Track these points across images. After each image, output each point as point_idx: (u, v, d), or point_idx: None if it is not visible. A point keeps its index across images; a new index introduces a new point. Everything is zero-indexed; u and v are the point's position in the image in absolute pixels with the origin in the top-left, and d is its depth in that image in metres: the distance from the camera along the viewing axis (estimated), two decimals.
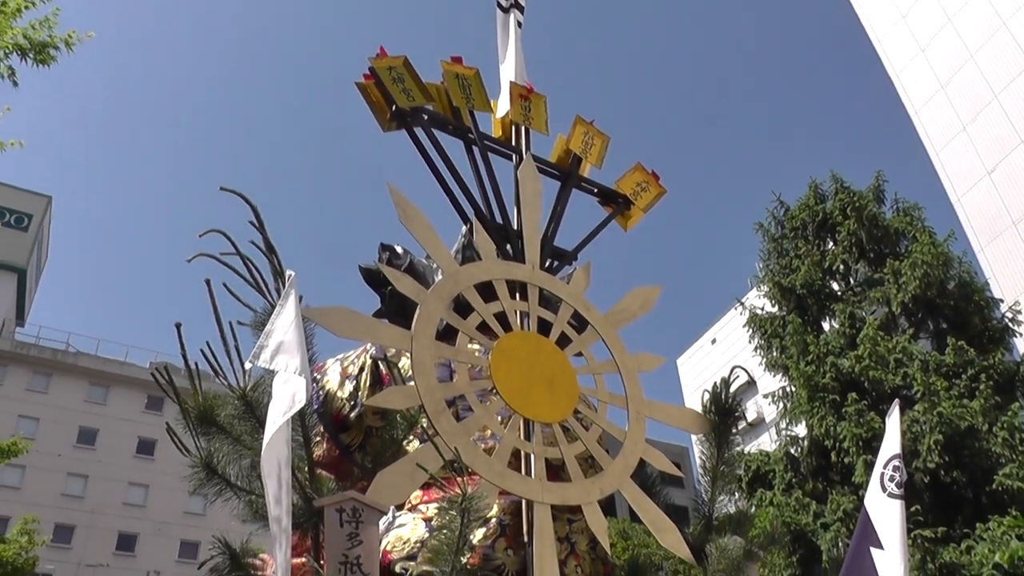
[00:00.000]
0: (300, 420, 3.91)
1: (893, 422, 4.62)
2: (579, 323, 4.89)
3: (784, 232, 19.39)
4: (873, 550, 4.37)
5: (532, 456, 4.12)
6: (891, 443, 4.56)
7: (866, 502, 4.55)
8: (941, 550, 13.50)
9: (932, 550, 13.53)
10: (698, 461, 5.04)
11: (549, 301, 4.92)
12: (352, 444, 4.74)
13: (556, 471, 4.22)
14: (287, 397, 2.88)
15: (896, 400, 5.17)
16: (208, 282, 3.87)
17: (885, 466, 4.48)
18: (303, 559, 3.90)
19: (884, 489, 4.44)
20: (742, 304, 18.95)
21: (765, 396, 17.51)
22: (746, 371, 4.94)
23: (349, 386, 4.82)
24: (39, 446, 41.26)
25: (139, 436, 46.83)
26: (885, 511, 4.40)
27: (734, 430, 4.92)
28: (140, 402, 47.61)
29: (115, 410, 47.45)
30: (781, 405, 17.10)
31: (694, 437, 5.35)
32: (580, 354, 4.75)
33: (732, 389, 4.98)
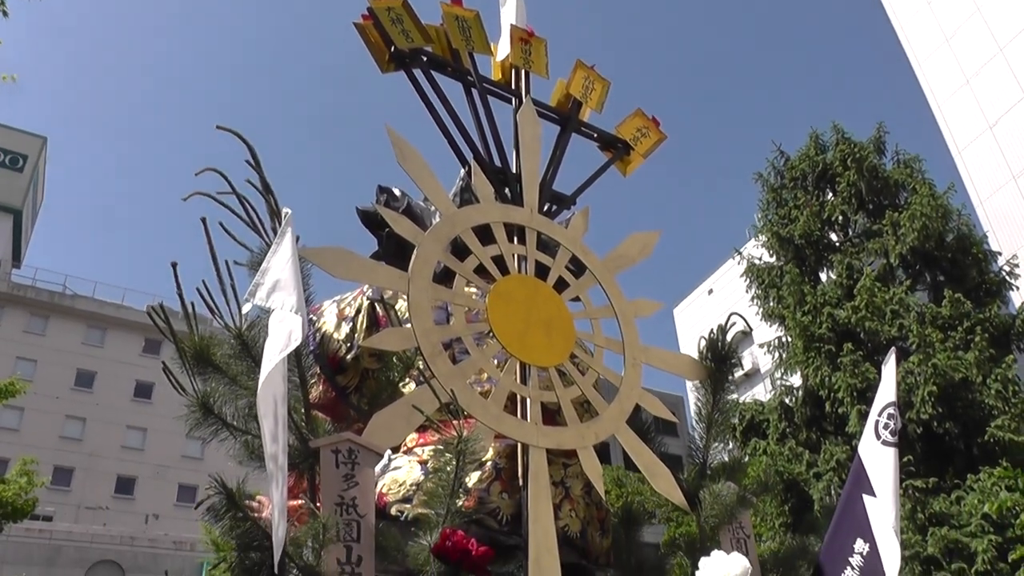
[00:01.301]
0: (296, 361, 3.90)
1: (889, 369, 4.61)
2: (577, 268, 4.87)
3: (784, 182, 19.31)
4: (865, 497, 4.38)
5: (528, 400, 4.12)
6: (887, 390, 4.55)
7: (859, 449, 4.55)
8: (931, 500, 13.66)
9: (923, 500, 13.68)
10: (693, 410, 5.05)
11: (547, 245, 4.89)
12: (348, 386, 4.74)
13: (552, 415, 4.23)
14: (283, 335, 2.86)
15: (893, 347, 5.16)
16: (204, 220, 3.83)
17: (880, 413, 4.48)
18: (299, 501, 3.92)
19: (878, 436, 4.44)
20: (739, 254, 18.94)
21: (761, 346, 17.57)
22: (743, 318, 4.93)
23: (345, 328, 4.81)
24: (37, 388, 41.41)
25: (136, 380, 47.03)
26: (878, 458, 4.41)
27: (730, 377, 4.92)
28: (137, 345, 47.72)
29: (112, 353, 47.57)
30: (776, 355, 17.17)
31: (689, 386, 5.37)
32: (577, 299, 4.73)
33: (729, 336, 4.98)
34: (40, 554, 32.51)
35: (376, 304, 4.74)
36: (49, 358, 45.36)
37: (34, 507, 16.30)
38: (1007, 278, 16.77)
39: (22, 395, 16.99)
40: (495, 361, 4.20)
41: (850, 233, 18.15)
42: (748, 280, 17.99)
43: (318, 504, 3.50)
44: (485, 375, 4.29)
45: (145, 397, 46.44)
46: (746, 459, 14.44)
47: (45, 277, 53.77)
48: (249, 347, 3.72)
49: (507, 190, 5.05)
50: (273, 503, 2.78)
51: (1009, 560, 11.16)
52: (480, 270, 4.42)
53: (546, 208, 5.16)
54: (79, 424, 45.01)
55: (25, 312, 46.34)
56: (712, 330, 4.99)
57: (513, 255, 4.59)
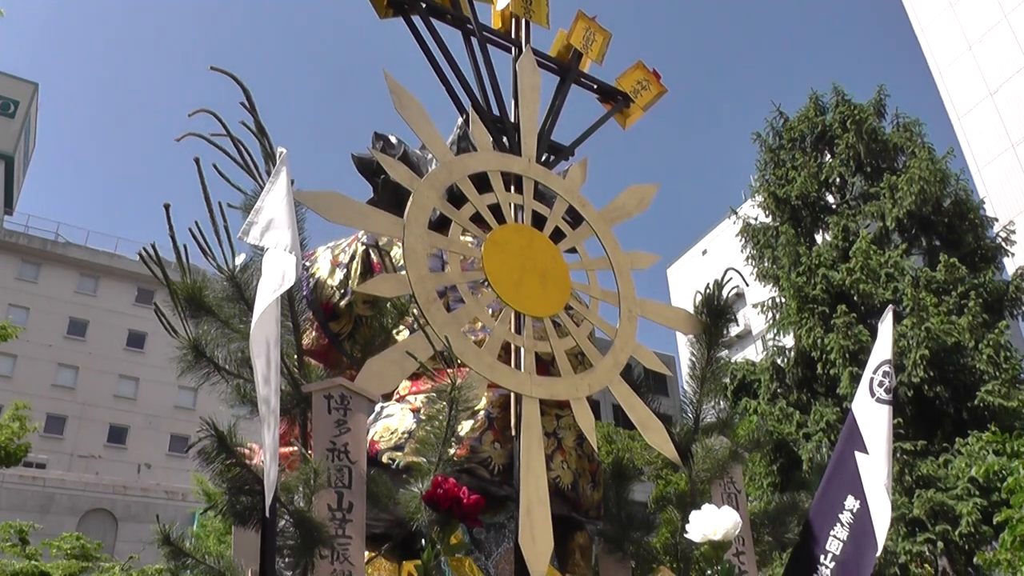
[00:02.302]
0: (289, 306, 3.87)
1: (886, 327, 4.59)
2: (573, 219, 4.82)
3: (782, 143, 19.21)
4: (858, 454, 4.38)
5: (522, 350, 4.09)
6: (882, 348, 4.53)
7: (853, 407, 4.54)
8: (919, 463, 13.76)
9: (911, 463, 13.78)
10: (685, 369, 5.03)
11: (544, 196, 4.85)
12: (341, 333, 4.71)
13: (546, 366, 4.21)
14: (276, 275, 2.81)
15: (889, 306, 5.14)
16: (197, 160, 3.77)
17: (875, 371, 4.46)
18: (292, 448, 3.90)
19: (872, 394, 4.43)
20: (735, 213, 18.88)
21: (754, 306, 17.57)
22: (739, 273, 4.90)
23: (339, 274, 4.77)
24: (29, 336, 41.32)
25: (129, 329, 46.99)
26: (872, 416, 4.40)
27: (725, 333, 4.90)
28: (130, 295, 47.63)
29: (105, 302, 47.49)
30: (769, 315, 17.19)
31: (682, 343, 5.34)
32: (574, 250, 4.70)
33: (725, 291, 4.95)
34: (33, 501, 32.67)
35: (371, 250, 4.70)
36: (41, 306, 45.26)
37: (26, 452, 16.32)
38: (1003, 244, 16.76)
39: (14, 341, 16.93)
40: (490, 310, 4.17)
41: (847, 195, 18.10)
42: (743, 240, 17.95)
43: (310, 451, 3.48)
44: (479, 324, 4.26)
45: (138, 347, 46.44)
46: (736, 419, 14.54)
47: (37, 224, 53.54)
48: (242, 289, 3.68)
49: (505, 139, 4.99)
50: (264, 446, 2.75)
51: (993, 523, 11.26)
52: (476, 218, 4.37)
53: (544, 158, 5.10)
54: (72, 373, 45.04)
55: (17, 259, 46.15)
56: (708, 285, 4.95)
57: (510, 204, 4.54)
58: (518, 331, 4.16)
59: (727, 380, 15.38)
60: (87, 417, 44.37)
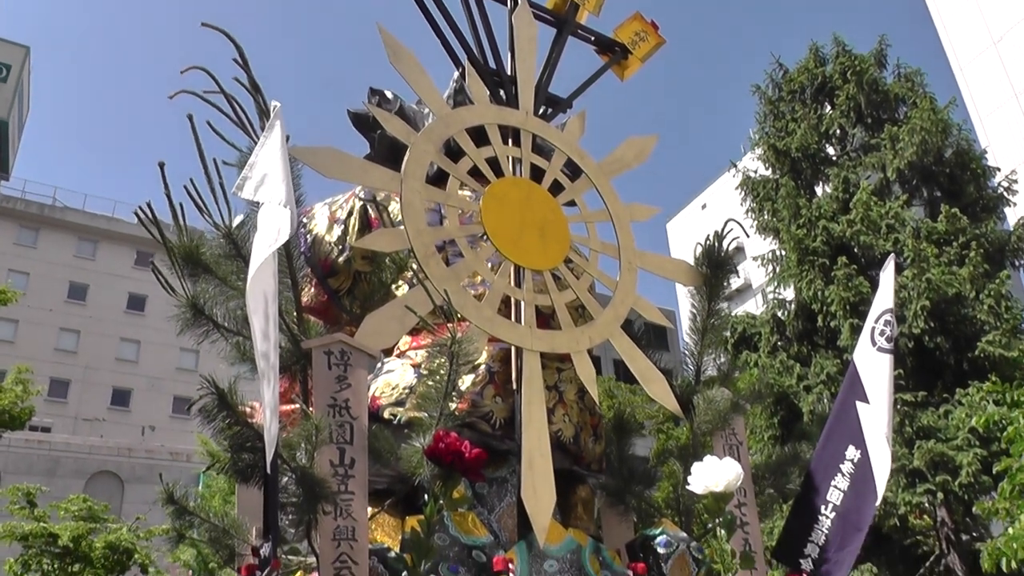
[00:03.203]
0: (288, 262, 3.84)
1: (887, 277, 4.56)
2: (572, 171, 4.78)
3: (782, 95, 19.01)
4: (859, 404, 4.38)
5: (522, 303, 4.07)
6: (884, 297, 4.51)
7: (855, 356, 4.54)
8: (920, 414, 13.78)
9: (911, 414, 13.80)
10: (686, 323, 5.02)
11: (542, 149, 4.80)
12: (340, 289, 4.69)
13: (546, 319, 4.19)
14: (272, 230, 2.78)
15: (891, 255, 5.11)
16: (190, 117, 3.72)
17: (876, 320, 4.45)
18: (293, 406, 3.90)
19: (874, 343, 4.42)
20: (735, 166, 18.76)
21: (755, 259, 17.51)
22: (739, 224, 4.87)
23: (337, 230, 4.74)
24: (30, 301, 41.31)
25: (129, 292, 46.97)
26: (873, 365, 4.39)
27: (725, 284, 4.88)
28: (129, 258, 47.53)
29: (104, 266, 47.42)
30: (770, 268, 17.14)
31: (682, 295, 5.32)
32: (573, 203, 4.66)
33: (725, 243, 4.92)
34: (40, 465, 32.87)
35: (368, 206, 4.66)
36: (41, 271, 45.18)
37: (31, 416, 16.37)
38: (1004, 194, 16.64)
39: (15, 306, 16.93)
40: (489, 264, 4.14)
41: (847, 147, 17.94)
42: (743, 193, 17.83)
43: (311, 408, 3.48)
44: (479, 278, 4.24)
45: (138, 310, 46.41)
46: (736, 374, 14.57)
47: (34, 190, 53.28)
48: (239, 246, 3.65)
49: (502, 92, 4.93)
50: (264, 402, 2.74)
51: (993, 473, 11.31)
52: (474, 172, 4.33)
53: (542, 111, 5.04)
54: (73, 336, 45.08)
55: (15, 224, 45.99)
56: (708, 236, 4.93)
57: (508, 157, 4.50)
58: (518, 284, 4.14)
59: (727, 333, 15.37)
60: (90, 380, 44.53)
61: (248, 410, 3.66)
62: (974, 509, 12.46)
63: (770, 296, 16.77)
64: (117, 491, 33.74)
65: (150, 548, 18.49)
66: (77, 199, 52.23)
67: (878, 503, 4.35)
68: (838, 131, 18.05)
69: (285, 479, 3.23)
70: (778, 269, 16.85)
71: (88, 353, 44.97)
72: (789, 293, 16.50)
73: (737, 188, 18.26)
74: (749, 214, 17.56)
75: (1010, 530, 8.67)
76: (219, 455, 3.57)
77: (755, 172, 18.27)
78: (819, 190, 17.84)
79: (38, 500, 18.05)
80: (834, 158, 18.02)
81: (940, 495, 13.16)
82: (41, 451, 34.68)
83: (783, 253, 16.78)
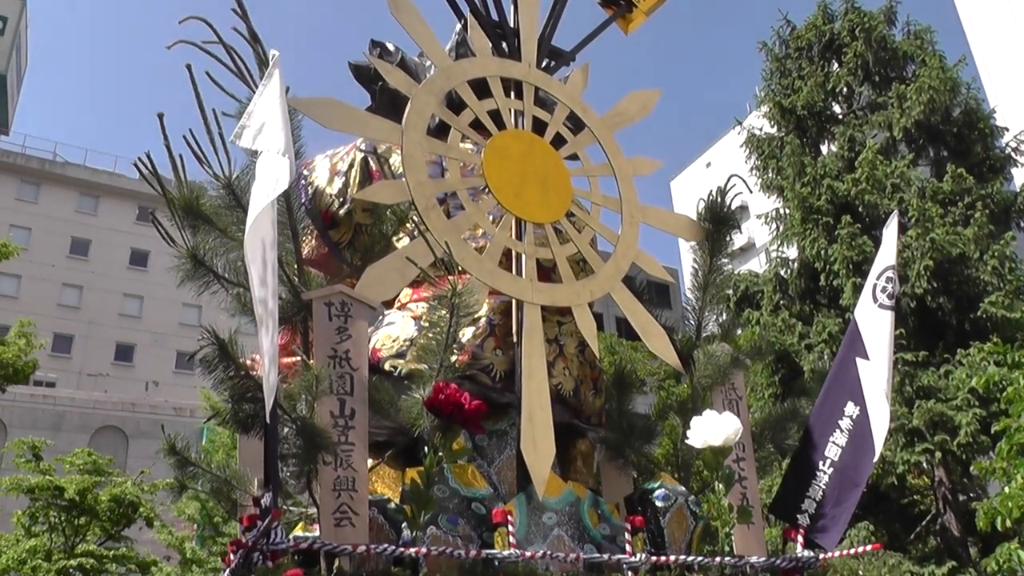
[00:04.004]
0: (288, 213, 3.83)
1: (891, 233, 4.53)
2: (575, 125, 4.74)
3: (788, 52, 18.83)
4: (859, 360, 4.37)
5: (523, 256, 4.06)
6: (887, 254, 4.49)
7: (856, 313, 4.52)
8: (920, 374, 13.82)
9: (912, 373, 13.85)
10: (688, 280, 5.00)
11: (544, 102, 4.76)
12: (341, 241, 4.68)
13: (547, 272, 4.18)
14: (270, 178, 2.76)
15: (895, 211, 5.09)
16: (189, 67, 3.69)
17: (878, 277, 4.42)
18: (294, 358, 3.90)
19: (875, 300, 4.40)
20: (740, 123, 18.64)
21: (758, 217, 17.47)
22: (743, 180, 4.83)
23: (338, 182, 4.71)
24: (32, 256, 41.38)
25: (132, 247, 47.01)
26: (874, 321, 4.38)
27: (728, 239, 4.85)
28: (131, 213, 47.48)
29: (106, 221, 47.40)
30: (773, 226, 17.09)
31: (685, 254, 5.31)
32: (575, 156, 4.63)
33: (728, 198, 4.89)
34: (45, 419, 33.12)
35: (369, 158, 4.63)
36: (43, 226, 45.17)
37: (34, 369, 16.47)
38: (1012, 155, 16.55)
39: (18, 261, 16.96)
40: (490, 217, 4.12)
41: (854, 105, 17.81)
42: (748, 151, 17.72)
43: (312, 360, 3.48)
44: (480, 230, 4.22)
45: (141, 265, 46.46)
46: (738, 332, 14.58)
47: (34, 145, 53.14)
48: (239, 197, 3.63)
49: (504, 45, 4.88)
50: (263, 350, 2.74)
51: (991, 432, 11.35)
52: (476, 124, 4.29)
53: (544, 64, 4.99)
54: (76, 292, 45.18)
55: (16, 179, 45.89)
56: (711, 192, 4.89)
57: (510, 110, 4.46)
58: (519, 237, 4.13)
59: (730, 291, 15.37)
60: (93, 336, 44.72)
61: (249, 362, 3.67)
62: (971, 469, 12.55)
63: (773, 255, 16.74)
64: (121, 446, 34.05)
65: (154, 502, 18.69)
66: (78, 154, 52.12)
67: (876, 459, 4.37)
68: (845, 89, 17.91)
69: (286, 430, 3.24)
70: (782, 227, 16.80)
71: (91, 308, 45.11)
72: (792, 252, 16.48)
73: (742, 146, 18.16)
74: (754, 172, 17.49)
75: (1006, 489, 8.72)
76: (221, 408, 3.58)
77: (760, 130, 18.15)
78: (824, 148, 17.74)
79: (43, 454, 18.23)
80: (840, 116, 17.89)
81: (938, 455, 13.24)
82: (46, 406, 34.94)
83: (787, 211, 16.73)
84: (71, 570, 16.53)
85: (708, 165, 46.13)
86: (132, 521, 18.27)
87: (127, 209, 47.58)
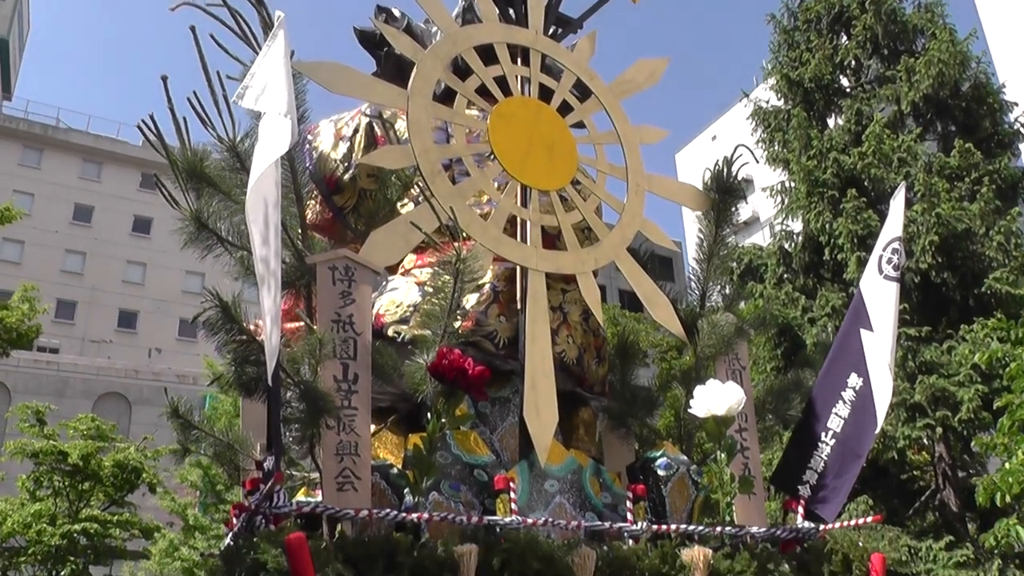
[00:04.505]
0: (292, 177, 3.81)
1: (897, 205, 4.50)
2: (581, 93, 4.70)
3: (797, 24, 18.63)
4: (863, 331, 4.36)
5: (528, 223, 4.04)
6: (893, 225, 4.46)
7: (861, 284, 4.51)
8: (923, 349, 13.80)
9: (915, 348, 13.82)
10: (692, 252, 4.98)
11: (551, 69, 4.72)
12: (345, 207, 4.67)
13: (552, 240, 4.16)
14: (273, 139, 2.74)
15: (902, 183, 5.05)
16: (193, 29, 3.66)
17: (885, 248, 4.40)
18: (298, 323, 3.90)
19: (881, 271, 4.38)
20: (746, 95, 18.51)
21: (763, 189, 17.37)
22: (749, 149, 4.80)
23: (343, 147, 4.69)
24: (35, 222, 41.40)
25: (135, 214, 46.95)
26: (879, 293, 4.36)
27: (733, 209, 4.83)
28: (134, 180, 47.36)
29: (109, 187, 47.30)
30: (779, 199, 17.01)
31: (689, 224, 5.28)
32: (581, 124, 4.60)
33: (735, 168, 4.86)
34: (49, 386, 33.24)
35: (375, 123, 4.61)
36: (46, 192, 45.08)
37: (38, 334, 16.51)
38: (1021, 130, 16.41)
39: (21, 227, 16.97)
40: (495, 183, 4.10)
41: (862, 78, 17.63)
42: (754, 124, 17.59)
43: (315, 326, 3.47)
44: (485, 197, 4.21)
45: (144, 232, 46.38)
46: (742, 305, 14.53)
47: (37, 110, 52.95)
48: (242, 160, 3.61)
49: (511, 11, 4.83)
50: (264, 310, 2.73)
51: (993, 408, 11.35)
52: (482, 91, 4.26)
53: (552, 31, 4.95)
54: (79, 258, 45.15)
55: (19, 145, 45.72)
56: (717, 161, 4.86)
57: (516, 77, 4.42)
58: (524, 204, 4.11)
59: (733, 264, 15.32)
60: (96, 302, 44.77)
61: (253, 328, 3.66)
62: (972, 444, 12.55)
63: (777, 228, 16.67)
64: (125, 412, 34.21)
65: (157, 468, 18.81)
66: (80, 120, 51.92)
67: (877, 431, 4.36)
68: (853, 62, 17.73)
69: (289, 394, 3.24)
70: (787, 200, 16.71)
71: (94, 275, 45.13)
72: (797, 225, 16.41)
73: (748, 118, 18.03)
74: (760, 145, 17.37)
75: (1007, 465, 8.73)
76: (224, 372, 3.58)
77: (767, 103, 18.02)
78: (831, 122, 17.60)
79: (47, 419, 18.31)
80: (848, 90, 17.73)
81: (939, 430, 13.24)
82: (49, 372, 35.08)
83: (792, 185, 16.63)
84: (75, 535, 16.66)
85: (713, 138, 45.91)
86: (135, 487, 18.39)
87: (130, 176, 47.46)
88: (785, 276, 16.07)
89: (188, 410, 3.89)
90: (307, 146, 4.66)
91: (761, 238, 22.23)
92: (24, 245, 43.10)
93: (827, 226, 15.04)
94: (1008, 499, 8.60)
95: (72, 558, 16.87)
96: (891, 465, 13.88)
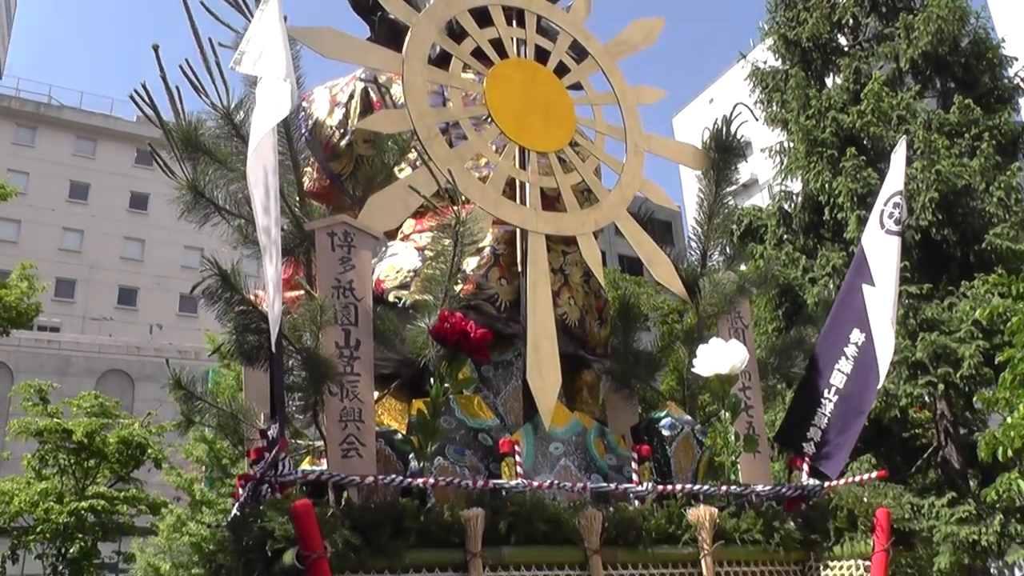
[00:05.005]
0: (288, 144, 3.78)
1: (899, 158, 4.47)
2: (578, 54, 4.66)
3: None
4: (865, 287, 4.34)
5: (527, 185, 4.02)
6: (894, 179, 4.43)
7: (863, 239, 4.49)
8: (924, 306, 13.79)
9: (916, 306, 13.81)
10: (690, 216, 4.95)
11: (547, 31, 4.67)
12: (342, 173, 4.64)
13: (551, 202, 4.14)
14: (272, 104, 2.71)
15: (903, 137, 5.01)
16: None
17: (886, 203, 4.37)
18: (298, 292, 3.88)
19: (882, 226, 4.35)
20: (744, 57, 18.38)
21: (762, 150, 17.26)
22: (748, 108, 4.75)
23: (339, 113, 4.65)
24: (31, 200, 41.29)
25: (131, 191, 46.80)
26: (881, 247, 4.34)
27: (733, 168, 4.79)
28: (129, 156, 47.12)
29: (105, 164, 47.08)
30: (777, 160, 16.92)
31: (688, 187, 5.24)
32: (578, 85, 4.55)
33: (733, 127, 4.82)
34: (51, 364, 33.30)
35: (370, 88, 4.57)
36: (41, 170, 44.84)
37: (37, 312, 16.52)
38: (1021, 84, 16.30)
39: (17, 206, 16.94)
40: (493, 146, 4.07)
41: (860, 37, 17.45)
42: (752, 84, 17.45)
43: (316, 291, 3.46)
44: (483, 160, 4.18)
45: (141, 208, 46.23)
46: (743, 266, 14.50)
47: (28, 88, 52.58)
48: (237, 127, 3.58)
49: None
50: (267, 278, 2.71)
51: (995, 363, 11.37)
52: (478, 53, 4.22)
53: None
54: (77, 236, 45.04)
55: (11, 123, 45.43)
56: (716, 120, 4.82)
57: (512, 38, 4.37)
58: (522, 166, 4.08)
59: (733, 226, 15.26)
60: (96, 280, 44.74)
61: (253, 298, 3.65)
62: (974, 400, 12.58)
63: (777, 188, 16.60)
64: (128, 389, 34.31)
65: (162, 444, 18.88)
66: (73, 97, 51.57)
67: (880, 386, 4.36)
68: (851, 20, 17.56)
69: (291, 361, 3.23)
70: (786, 161, 16.63)
71: (92, 252, 45.07)
72: (796, 185, 16.34)
73: (746, 79, 17.90)
74: (758, 106, 17.26)
75: (1008, 419, 8.76)
76: (225, 340, 3.57)
77: (765, 63, 17.89)
78: (829, 81, 17.48)
79: (50, 397, 18.35)
80: (846, 48, 17.57)
81: (941, 387, 13.26)
82: (51, 351, 35.13)
83: (791, 145, 16.55)
84: (83, 512, 16.74)
85: (711, 101, 45.64)
86: (141, 463, 18.47)
87: (125, 152, 47.23)
88: (785, 237, 16.02)
89: (191, 381, 3.88)
90: (302, 113, 4.62)
91: (760, 200, 22.14)
92: (21, 224, 43.01)
93: (827, 185, 14.97)
94: (1010, 453, 8.64)
95: (80, 535, 16.98)
96: (893, 423, 13.91)
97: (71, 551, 16.98)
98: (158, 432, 18.60)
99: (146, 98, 3.69)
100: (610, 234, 4.32)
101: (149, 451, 18.29)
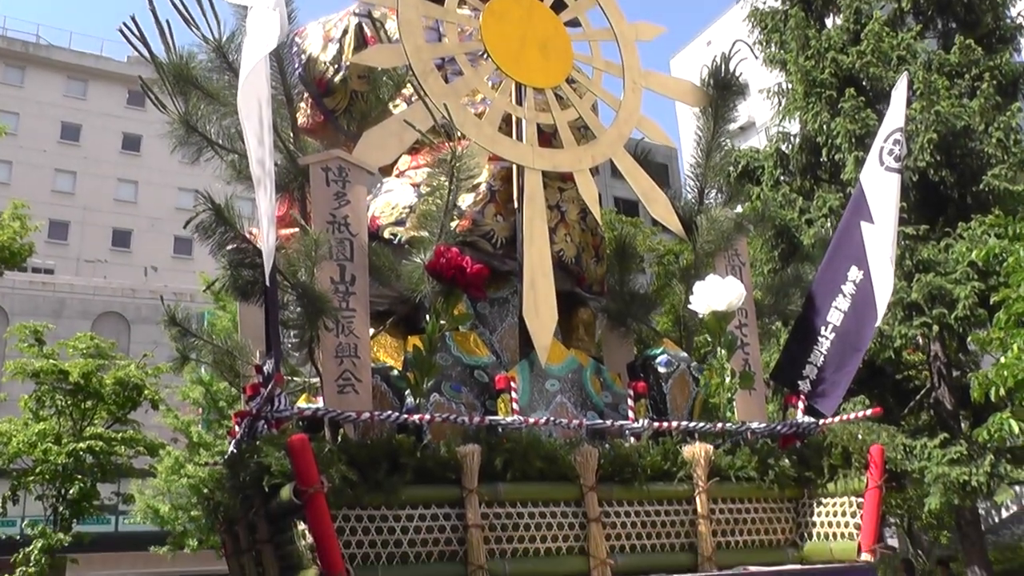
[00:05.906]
0: (281, 78, 3.72)
1: (899, 95, 4.41)
2: None
3: None
4: (863, 224, 4.31)
5: (523, 121, 3.97)
6: (895, 116, 4.38)
7: (862, 177, 4.45)
8: (920, 247, 13.77)
9: (912, 247, 13.79)
10: (687, 156, 4.90)
11: None
12: (336, 109, 4.57)
13: (548, 138, 4.09)
14: (263, 33, 2.65)
15: (904, 74, 4.95)
16: None
17: (886, 139, 4.32)
18: (293, 230, 3.85)
19: (882, 163, 4.31)
20: None
21: (760, 91, 17.05)
22: (748, 45, 4.68)
23: (332, 49, 4.57)
24: (22, 142, 40.82)
25: (124, 132, 46.28)
26: (880, 184, 4.30)
27: (732, 105, 4.73)
28: (121, 97, 46.48)
29: (96, 105, 46.46)
30: (775, 101, 16.74)
31: (683, 124, 5.18)
32: (576, 23, 4.47)
33: (732, 64, 4.75)
34: (46, 307, 33.17)
35: (364, 23, 4.48)
36: (31, 111, 44.19)
37: (30, 253, 16.37)
38: (1023, 24, 16.11)
39: (9, 147, 16.80)
40: (489, 82, 4.01)
41: None
42: (750, 25, 17.18)
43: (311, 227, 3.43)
44: (479, 96, 4.12)
45: (134, 150, 45.66)
46: (739, 208, 14.44)
47: (15, 27, 51.69)
48: (228, 60, 3.52)
49: None
50: (261, 210, 2.68)
51: (990, 304, 11.37)
52: None
53: None
54: (69, 178, 44.58)
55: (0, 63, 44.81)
56: (715, 57, 4.75)
57: None
58: (519, 102, 4.03)
59: (731, 167, 15.16)
60: (89, 222, 44.47)
61: (249, 235, 3.62)
62: (968, 341, 12.63)
63: (774, 130, 16.47)
64: (124, 331, 34.28)
65: (159, 385, 18.90)
66: (62, 37, 50.75)
67: (878, 324, 4.35)
68: None
69: (286, 298, 3.21)
70: (784, 102, 16.47)
71: (86, 194, 44.70)
72: (794, 127, 16.21)
73: (745, 19, 17.65)
74: (757, 47, 17.04)
75: (1002, 359, 8.79)
76: (219, 276, 3.55)
77: (764, 3, 17.63)
78: (829, 22, 17.25)
79: (46, 339, 18.32)
80: None
81: (935, 328, 13.30)
82: (46, 293, 35.01)
83: (790, 86, 16.37)
84: (81, 453, 16.81)
85: (709, 43, 45.03)
86: (138, 404, 18.49)
87: (117, 93, 46.60)
88: (782, 178, 15.94)
89: (185, 317, 3.87)
90: (295, 48, 4.54)
91: (757, 142, 21.98)
92: (12, 165, 42.59)
93: (825, 127, 14.84)
94: (1003, 392, 8.69)
95: (79, 476, 17.06)
96: (887, 365, 13.99)
97: (71, 492, 17.08)
98: (154, 374, 18.60)
99: (136, 32, 3.62)
100: (606, 176, 4.29)
101: (146, 392, 18.30)
